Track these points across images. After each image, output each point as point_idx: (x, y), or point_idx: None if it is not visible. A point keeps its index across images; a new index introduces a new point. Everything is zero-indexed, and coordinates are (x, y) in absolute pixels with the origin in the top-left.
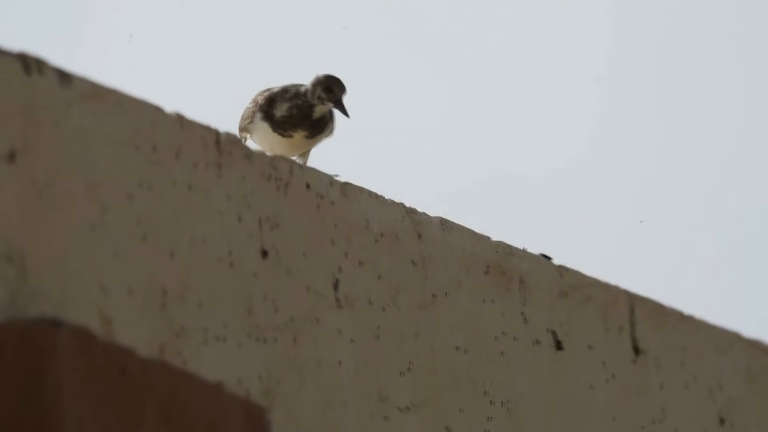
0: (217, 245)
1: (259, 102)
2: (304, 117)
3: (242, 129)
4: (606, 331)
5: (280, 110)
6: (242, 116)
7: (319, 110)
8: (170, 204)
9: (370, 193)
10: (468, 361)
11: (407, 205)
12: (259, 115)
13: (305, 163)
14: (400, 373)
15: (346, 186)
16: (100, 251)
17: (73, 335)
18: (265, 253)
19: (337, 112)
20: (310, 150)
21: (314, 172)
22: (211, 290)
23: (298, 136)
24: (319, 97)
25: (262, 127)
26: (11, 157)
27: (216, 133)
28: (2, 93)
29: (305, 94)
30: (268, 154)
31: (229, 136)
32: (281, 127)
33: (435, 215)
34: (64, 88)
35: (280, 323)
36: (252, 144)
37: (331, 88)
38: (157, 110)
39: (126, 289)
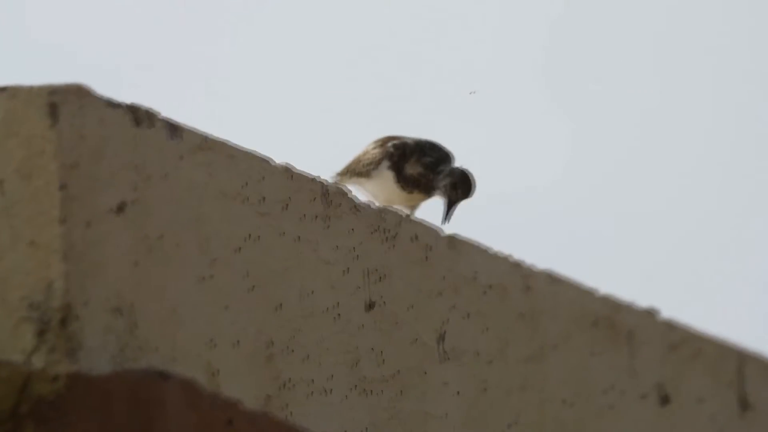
0: (324, 297)
1: (390, 150)
2: (426, 185)
3: (358, 173)
4: (714, 385)
5: (414, 169)
6: (361, 160)
7: (435, 193)
8: (278, 256)
9: (478, 245)
10: (575, 415)
11: (514, 257)
12: (387, 164)
13: (412, 214)
14: (507, 425)
15: (454, 238)
16: (208, 304)
17: (180, 388)
18: (371, 305)
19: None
20: (420, 204)
21: (422, 224)
22: (317, 342)
23: (418, 196)
24: (445, 187)
25: (386, 176)
26: (122, 209)
27: (323, 185)
28: (113, 145)
29: (439, 171)
30: (378, 201)
31: (338, 188)
32: (407, 182)
33: (542, 268)
34: (175, 141)
35: (387, 376)
36: (360, 190)
37: (456, 188)
38: (265, 162)
39: (233, 342)
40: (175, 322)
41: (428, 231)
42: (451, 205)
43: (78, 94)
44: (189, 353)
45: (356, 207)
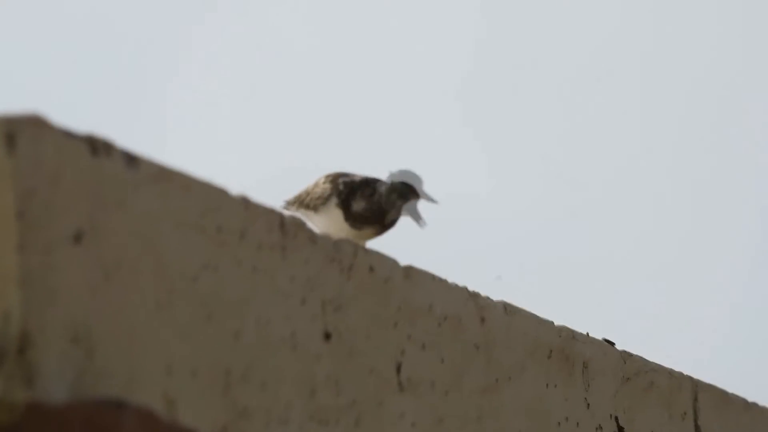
0: (280, 327)
1: (339, 188)
2: (378, 218)
3: (307, 206)
4: (669, 417)
5: (359, 205)
6: (311, 193)
7: (389, 216)
8: (235, 285)
9: (434, 277)
10: None
11: (470, 289)
12: (335, 200)
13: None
14: None
15: (410, 269)
16: (165, 332)
17: (137, 416)
18: (328, 336)
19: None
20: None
21: (378, 255)
22: (274, 372)
23: (368, 231)
24: (393, 203)
25: (334, 214)
26: (78, 238)
27: (280, 216)
28: (70, 174)
29: (381, 195)
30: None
31: (294, 219)
32: (355, 219)
33: (498, 299)
34: (131, 170)
35: (343, 405)
36: (308, 221)
37: (401, 193)
38: (222, 192)
39: (190, 370)
40: (132, 350)
41: (385, 262)
42: (411, 208)
43: (35, 123)
44: (146, 381)
45: (313, 237)
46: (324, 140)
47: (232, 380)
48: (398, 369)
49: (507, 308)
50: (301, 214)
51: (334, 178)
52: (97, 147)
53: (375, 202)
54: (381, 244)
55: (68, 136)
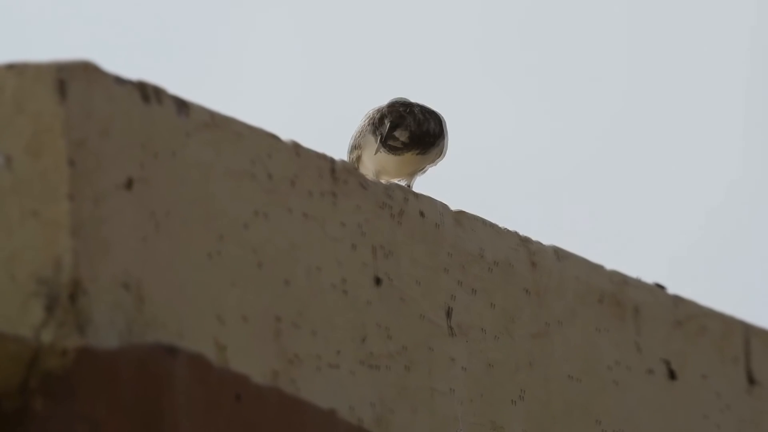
0: (331, 274)
1: (371, 117)
2: (419, 139)
3: (355, 147)
4: (721, 361)
5: (392, 136)
6: (356, 134)
7: (426, 127)
8: (285, 233)
9: (485, 222)
10: (581, 390)
11: (521, 234)
12: (370, 129)
13: (409, 184)
14: (512, 401)
15: (461, 215)
16: (215, 280)
17: (189, 362)
18: (378, 281)
19: (450, 132)
20: (417, 172)
21: (429, 200)
22: (324, 318)
23: (409, 155)
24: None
25: (371, 141)
26: (129, 185)
27: (331, 161)
28: (121, 122)
29: (414, 113)
30: (375, 172)
31: (345, 165)
32: (393, 150)
33: (549, 244)
34: (182, 118)
35: (393, 351)
36: (367, 163)
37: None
38: (273, 139)
39: (241, 317)
40: (182, 298)
41: (435, 207)
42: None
43: (86, 70)
44: (196, 329)
45: (363, 183)
46: (359, 90)
47: (283, 327)
48: (449, 314)
49: (558, 253)
50: (357, 161)
51: (369, 113)
52: (148, 94)
53: (408, 117)
54: (430, 189)
55: (119, 82)
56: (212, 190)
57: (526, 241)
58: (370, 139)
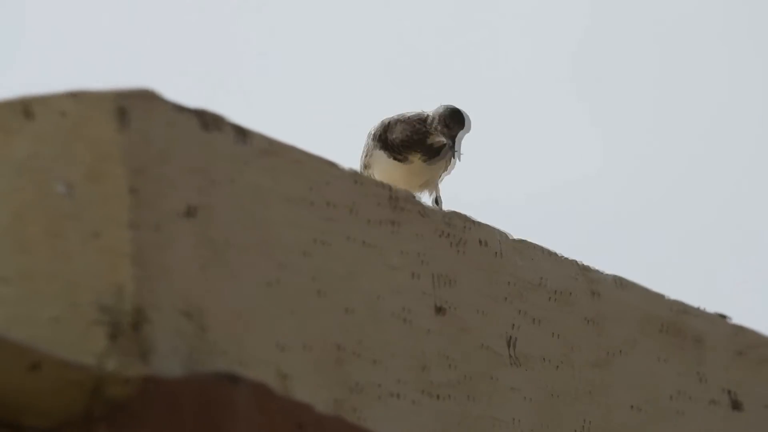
0: (391, 302)
1: (376, 131)
2: (419, 141)
3: (365, 166)
4: None
5: (394, 132)
6: (363, 152)
7: (432, 138)
8: (345, 261)
9: (545, 250)
10: (643, 420)
11: (581, 262)
12: (374, 144)
13: (436, 196)
14: (575, 431)
15: (521, 243)
16: (276, 307)
17: (250, 391)
18: (439, 310)
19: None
20: (435, 183)
21: (488, 228)
22: (385, 347)
23: (415, 160)
24: (436, 128)
25: (379, 156)
26: (189, 213)
27: (389, 189)
28: (180, 149)
29: (425, 120)
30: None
31: (403, 194)
32: (396, 150)
33: (610, 273)
34: (242, 145)
35: (455, 380)
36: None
37: (448, 124)
38: (331, 166)
39: (302, 345)
40: (243, 326)
41: (495, 235)
42: (452, 143)
43: (146, 98)
44: (258, 357)
45: (423, 211)
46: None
47: (344, 355)
48: (510, 343)
49: (618, 281)
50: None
51: (372, 128)
52: (207, 121)
53: (413, 125)
54: (486, 216)
55: (179, 110)
56: (271, 217)
57: (585, 269)
58: (377, 153)
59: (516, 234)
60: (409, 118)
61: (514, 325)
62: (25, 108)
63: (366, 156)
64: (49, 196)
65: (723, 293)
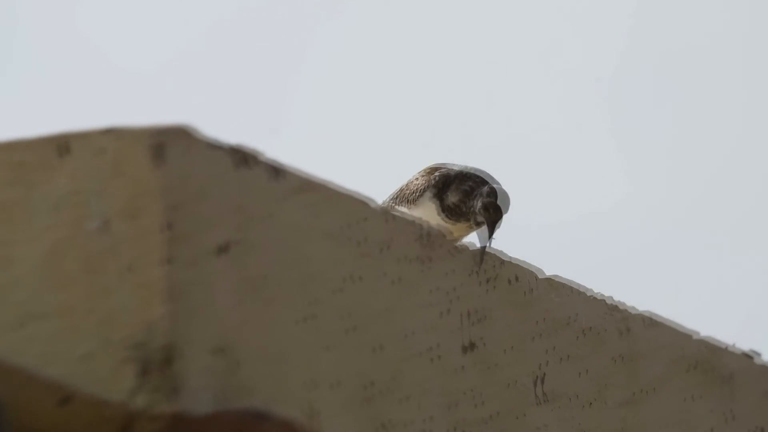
0: (423, 339)
1: (434, 180)
2: (467, 213)
3: (406, 200)
4: None
5: (453, 197)
6: (408, 187)
7: (476, 218)
8: (378, 297)
9: (575, 288)
10: None
11: (612, 299)
12: (429, 194)
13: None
14: None
15: (552, 280)
16: (309, 344)
17: (280, 428)
18: (470, 347)
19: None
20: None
21: (520, 265)
22: (416, 384)
23: (462, 225)
24: (477, 209)
25: (429, 206)
26: (225, 249)
27: (421, 227)
28: (216, 186)
29: (475, 196)
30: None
31: (436, 231)
32: (450, 212)
33: (640, 311)
34: (276, 182)
35: (485, 417)
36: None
37: (487, 209)
38: (366, 204)
39: (334, 382)
40: (276, 363)
41: (527, 273)
42: (490, 227)
43: (182, 135)
44: (289, 394)
45: (454, 249)
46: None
47: (375, 392)
48: (540, 381)
49: (649, 320)
50: (401, 209)
51: (431, 171)
52: (242, 158)
53: (467, 200)
54: (521, 253)
55: (214, 147)
56: (307, 253)
57: (614, 308)
58: (429, 203)
59: (545, 262)
60: (466, 189)
61: (543, 362)
62: (64, 144)
63: (414, 194)
64: (87, 231)
65: (751, 320)
